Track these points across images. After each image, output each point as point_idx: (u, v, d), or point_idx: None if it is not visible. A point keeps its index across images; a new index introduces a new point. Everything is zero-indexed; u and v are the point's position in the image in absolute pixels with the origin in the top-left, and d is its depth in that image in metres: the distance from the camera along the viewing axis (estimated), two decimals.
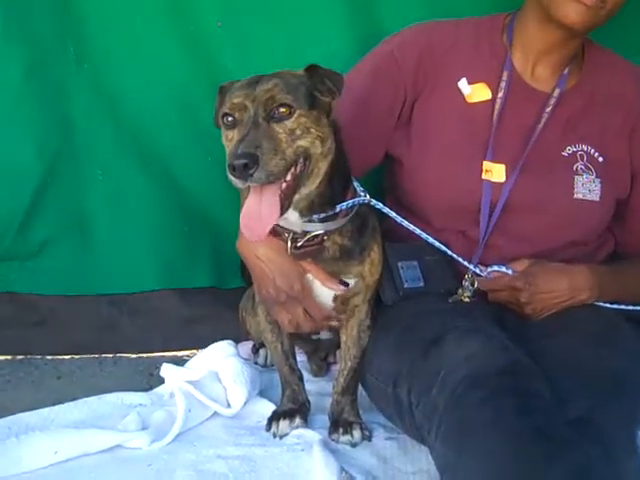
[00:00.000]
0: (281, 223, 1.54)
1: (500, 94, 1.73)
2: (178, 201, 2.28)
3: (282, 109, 1.40)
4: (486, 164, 1.71)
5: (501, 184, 1.70)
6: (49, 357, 2.26)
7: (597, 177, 1.74)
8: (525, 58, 1.75)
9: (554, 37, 1.69)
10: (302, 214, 1.53)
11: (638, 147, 1.79)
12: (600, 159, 1.76)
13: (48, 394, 2.01)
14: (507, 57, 1.74)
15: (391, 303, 1.70)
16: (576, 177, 1.73)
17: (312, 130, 1.43)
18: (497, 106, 1.72)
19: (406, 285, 1.69)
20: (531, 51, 1.74)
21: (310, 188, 1.49)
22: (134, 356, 2.28)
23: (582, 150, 1.75)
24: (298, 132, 1.41)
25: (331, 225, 1.56)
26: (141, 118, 2.18)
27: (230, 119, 1.43)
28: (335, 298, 1.66)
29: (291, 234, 1.55)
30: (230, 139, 1.43)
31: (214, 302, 2.32)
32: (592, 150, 1.76)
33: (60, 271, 2.27)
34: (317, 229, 1.55)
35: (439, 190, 1.73)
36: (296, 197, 1.46)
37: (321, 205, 1.53)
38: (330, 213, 1.55)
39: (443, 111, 1.76)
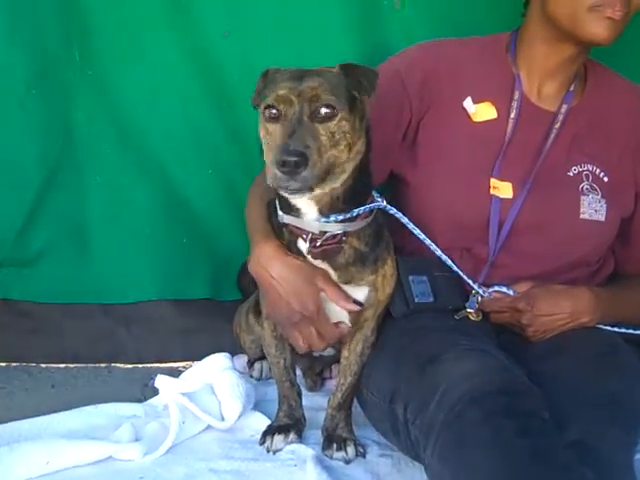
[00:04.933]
0: (299, 224, 1.54)
1: (512, 114, 1.73)
2: (177, 212, 2.27)
3: (326, 110, 1.39)
4: (493, 181, 1.71)
5: (509, 200, 1.70)
6: (44, 365, 2.25)
7: (602, 197, 1.74)
8: (530, 78, 1.75)
9: (565, 55, 1.69)
10: (321, 212, 1.52)
11: None
12: (605, 179, 1.76)
13: (42, 402, 1.99)
14: (515, 76, 1.75)
15: (401, 317, 1.69)
16: (582, 197, 1.73)
17: (347, 136, 1.42)
18: (510, 125, 1.72)
19: (416, 300, 1.67)
20: (538, 71, 1.74)
21: (335, 184, 1.47)
22: (129, 366, 2.27)
23: (587, 170, 1.75)
24: (337, 136, 1.40)
25: (349, 226, 1.55)
26: (144, 128, 2.18)
27: (274, 112, 1.41)
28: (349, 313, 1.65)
29: (310, 235, 1.54)
30: (271, 133, 1.42)
31: (211, 314, 2.31)
32: (597, 170, 1.76)
33: (57, 279, 2.26)
34: (335, 229, 1.53)
35: (446, 208, 1.73)
36: (318, 192, 1.44)
37: (342, 205, 1.52)
38: (348, 216, 1.53)
39: (448, 130, 1.76)
